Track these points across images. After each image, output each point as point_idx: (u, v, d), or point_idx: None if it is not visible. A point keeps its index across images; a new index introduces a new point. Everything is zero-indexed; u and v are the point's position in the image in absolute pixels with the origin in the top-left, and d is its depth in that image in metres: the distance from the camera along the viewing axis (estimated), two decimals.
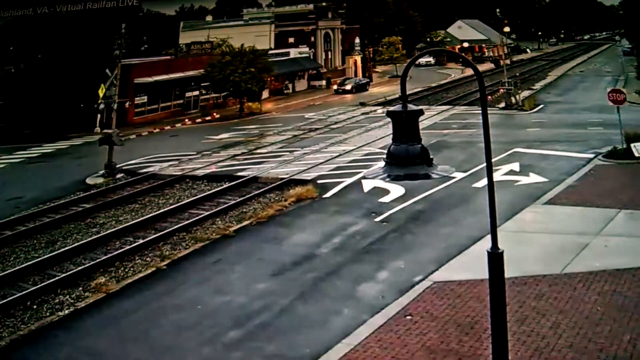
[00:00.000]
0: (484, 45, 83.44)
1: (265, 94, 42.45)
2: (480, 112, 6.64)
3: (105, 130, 23.72)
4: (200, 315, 10.11)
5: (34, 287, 11.38)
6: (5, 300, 10.84)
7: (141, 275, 11.97)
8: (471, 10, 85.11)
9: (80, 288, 11.48)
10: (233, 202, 16.52)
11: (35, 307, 10.80)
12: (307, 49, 54.03)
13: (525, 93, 38.91)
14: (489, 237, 6.55)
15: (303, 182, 17.97)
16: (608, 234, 12.19)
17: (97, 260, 12.60)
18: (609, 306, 9.09)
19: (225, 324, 9.70)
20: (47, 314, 10.54)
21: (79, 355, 9.17)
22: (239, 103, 38.12)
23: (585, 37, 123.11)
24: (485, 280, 6.71)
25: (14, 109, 33.59)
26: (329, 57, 58.42)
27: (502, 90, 36.65)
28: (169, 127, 33.81)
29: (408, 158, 5.79)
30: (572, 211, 13.81)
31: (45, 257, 13.06)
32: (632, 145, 18.22)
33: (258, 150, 24.54)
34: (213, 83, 37.50)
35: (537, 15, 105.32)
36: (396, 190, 16.23)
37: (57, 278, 11.77)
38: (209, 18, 56.90)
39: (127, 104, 34.22)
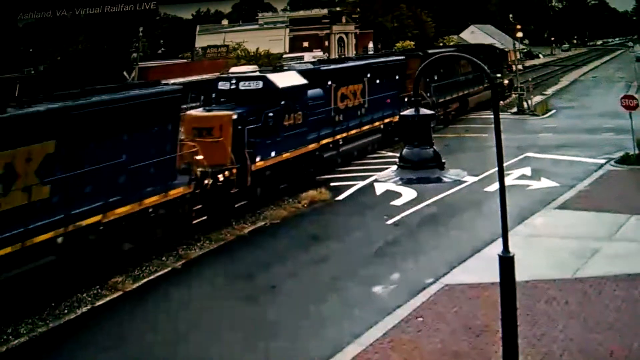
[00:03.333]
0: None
1: None
2: (492, 116, 6.74)
3: None
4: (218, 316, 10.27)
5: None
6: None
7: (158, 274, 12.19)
8: (484, 16, 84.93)
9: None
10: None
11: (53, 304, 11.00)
12: (321, 53, 54.25)
13: (538, 98, 38.79)
14: (500, 240, 6.64)
15: (316, 185, 18.10)
16: (620, 239, 12.22)
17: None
18: (620, 311, 9.12)
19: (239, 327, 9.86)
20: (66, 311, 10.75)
21: None
22: None
23: (598, 43, 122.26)
24: (496, 284, 6.80)
25: None
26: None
27: (514, 95, 36.57)
28: None
29: (420, 162, 5.91)
30: (584, 216, 13.84)
31: None
32: None
33: None
34: None
35: (550, 20, 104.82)
36: (408, 193, 16.33)
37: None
38: (224, 22, 57.28)
39: None
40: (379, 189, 17.24)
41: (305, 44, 53.80)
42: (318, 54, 53.61)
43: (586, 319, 8.94)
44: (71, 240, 10.86)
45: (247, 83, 16.73)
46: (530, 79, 40.75)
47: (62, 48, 34.01)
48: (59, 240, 10.68)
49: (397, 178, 6.03)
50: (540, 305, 9.43)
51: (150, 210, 12.40)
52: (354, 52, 59.42)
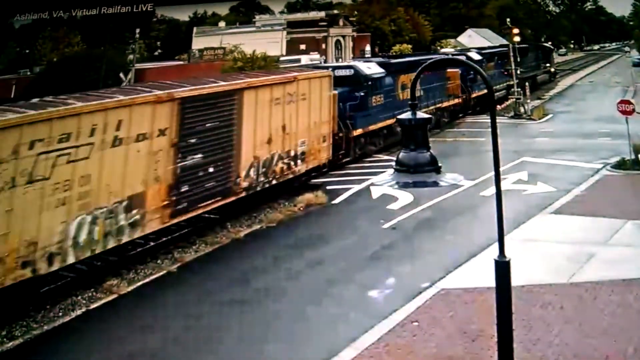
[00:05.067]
0: None
1: None
2: (489, 120, 6.75)
3: None
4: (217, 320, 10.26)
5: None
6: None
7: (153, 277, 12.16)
8: (482, 20, 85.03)
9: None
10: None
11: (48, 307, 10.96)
12: (318, 56, 54.21)
13: (535, 102, 38.87)
14: (496, 245, 6.64)
15: (312, 188, 18.08)
16: (615, 244, 12.24)
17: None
18: (615, 316, 9.15)
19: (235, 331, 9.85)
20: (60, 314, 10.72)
21: None
22: None
23: (595, 48, 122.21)
24: (492, 288, 6.81)
25: None
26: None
27: (511, 99, 36.66)
28: None
29: (417, 165, 5.91)
30: (580, 221, 13.86)
31: None
32: None
33: None
34: None
35: (548, 25, 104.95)
36: (404, 197, 16.33)
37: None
38: (221, 24, 57.25)
39: None
40: (375, 192, 17.24)
41: (303, 47, 53.70)
42: (315, 56, 53.58)
43: (581, 324, 8.95)
44: (436, 112, 26.41)
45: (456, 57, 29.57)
46: (527, 83, 40.87)
47: (59, 49, 33.96)
48: (432, 110, 25.38)
49: (394, 182, 6.03)
50: (536, 310, 9.44)
51: (452, 106, 28.64)
52: (352, 55, 59.40)
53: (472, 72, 29.65)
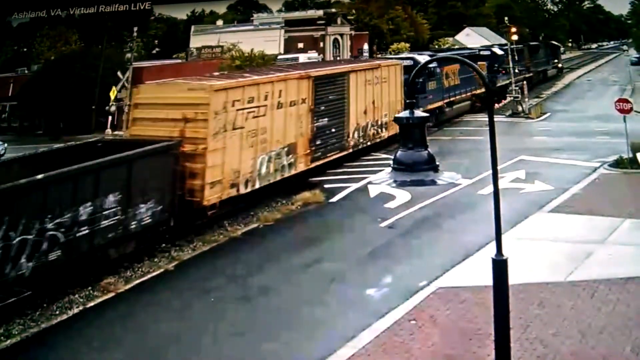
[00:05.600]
0: None
1: None
2: (486, 119, 6.74)
3: (115, 132, 24.04)
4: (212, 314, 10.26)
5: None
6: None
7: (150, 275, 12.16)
8: (479, 18, 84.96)
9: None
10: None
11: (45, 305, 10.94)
12: (316, 54, 54.16)
13: (533, 101, 38.90)
14: (493, 244, 6.64)
15: (310, 186, 18.08)
16: (613, 242, 12.25)
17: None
18: (612, 315, 9.15)
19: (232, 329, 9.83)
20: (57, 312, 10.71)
21: None
22: None
23: (593, 46, 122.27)
24: (489, 287, 6.81)
25: (27, 109, 33.86)
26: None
27: (509, 97, 36.68)
28: None
29: (414, 164, 5.91)
30: (577, 219, 13.86)
31: None
32: (638, 154, 18.26)
33: None
34: None
35: (546, 23, 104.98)
36: (402, 196, 16.33)
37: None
38: (219, 23, 57.18)
39: None
40: (373, 191, 17.24)
41: (300, 45, 53.65)
42: (313, 55, 53.52)
43: (579, 323, 8.96)
44: (472, 97, 31.65)
45: (483, 52, 35.56)
46: (525, 82, 40.92)
47: (56, 48, 33.95)
48: (469, 96, 31.12)
49: (392, 180, 6.03)
50: (533, 309, 9.44)
51: (482, 93, 30.92)
52: (349, 54, 59.37)
53: (496, 64, 34.73)
